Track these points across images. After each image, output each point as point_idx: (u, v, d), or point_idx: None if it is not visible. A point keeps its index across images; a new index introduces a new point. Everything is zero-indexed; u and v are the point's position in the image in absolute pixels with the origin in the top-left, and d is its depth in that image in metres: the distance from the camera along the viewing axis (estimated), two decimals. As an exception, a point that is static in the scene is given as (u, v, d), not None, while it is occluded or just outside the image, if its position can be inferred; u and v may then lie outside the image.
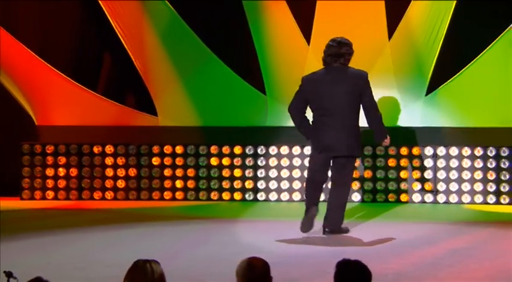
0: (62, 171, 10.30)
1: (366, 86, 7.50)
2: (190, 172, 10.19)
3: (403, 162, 9.95)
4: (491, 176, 9.81)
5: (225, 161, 10.18)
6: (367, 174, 9.95)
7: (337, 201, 7.52)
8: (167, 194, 10.21)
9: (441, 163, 9.89)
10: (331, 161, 7.51)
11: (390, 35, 10.02)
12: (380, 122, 7.59)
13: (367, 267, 3.71)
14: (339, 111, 7.40)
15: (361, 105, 7.49)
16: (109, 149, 10.26)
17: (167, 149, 10.24)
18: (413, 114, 10.08)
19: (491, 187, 9.80)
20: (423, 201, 9.87)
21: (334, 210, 7.49)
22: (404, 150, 9.96)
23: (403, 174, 9.95)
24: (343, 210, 7.55)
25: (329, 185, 7.69)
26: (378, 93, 9.82)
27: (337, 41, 7.61)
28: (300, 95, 7.59)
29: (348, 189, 7.63)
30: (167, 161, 10.23)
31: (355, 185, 9.81)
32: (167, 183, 10.20)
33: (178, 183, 10.20)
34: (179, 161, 10.23)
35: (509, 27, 9.73)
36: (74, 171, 10.29)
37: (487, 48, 9.81)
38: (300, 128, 7.59)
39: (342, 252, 6.51)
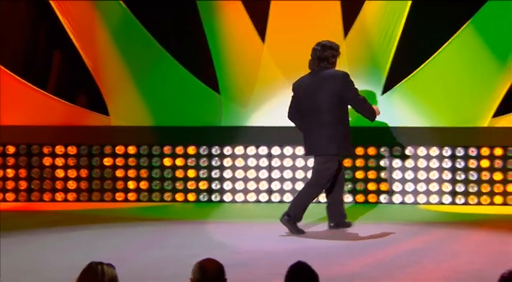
0: (10, 172, 10.07)
1: (343, 85, 7.57)
2: (143, 173, 10.03)
3: (359, 162, 9.89)
4: (447, 176, 9.77)
5: (179, 162, 10.03)
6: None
7: (297, 198, 7.60)
8: (119, 195, 10.03)
9: (397, 163, 9.84)
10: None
11: (346, 34, 9.94)
12: (369, 114, 7.73)
13: (311, 269, 3.74)
14: (316, 111, 7.52)
15: (347, 105, 7.65)
16: (59, 149, 10.06)
17: (119, 149, 10.06)
18: None
19: (447, 187, 9.77)
20: (379, 202, 9.81)
21: (294, 204, 7.55)
22: (360, 150, 9.88)
23: (358, 174, 9.87)
24: (303, 208, 7.53)
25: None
26: None
27: (321, 44, 7.73)
28: (292, 101, 7.78)
29: (318, 188, 7.63)
30: (119, 161, 10.06)
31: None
32: (119, 184, 10.03)
33: (131, 184, 10.03)
34: (132, 161, 10.06)
35: (463, 27, 9.74)
36: (23, 172, 10.06)
37: (442, 47, 9.80)
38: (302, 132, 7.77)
39: (301, 253, 6.43)
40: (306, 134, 7.66)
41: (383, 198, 9.85)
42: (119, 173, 10.02)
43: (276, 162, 9.96)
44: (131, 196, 10.01)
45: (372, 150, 9.88)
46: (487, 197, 9.71)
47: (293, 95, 7.77)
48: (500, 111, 9.79)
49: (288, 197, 9.68)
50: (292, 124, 8.05)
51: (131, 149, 10.05)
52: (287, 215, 7.44)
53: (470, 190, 9.74)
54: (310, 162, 8.93)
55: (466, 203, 9.72)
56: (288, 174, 9.94)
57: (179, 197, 9.98)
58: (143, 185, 10.01)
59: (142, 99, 10.18)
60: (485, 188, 9.71)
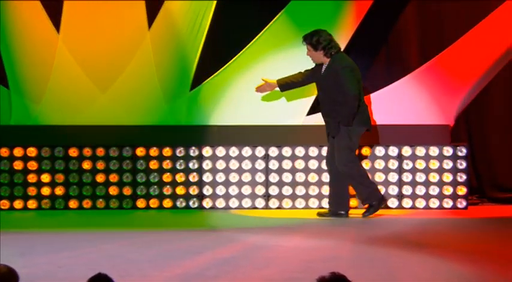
0: None
1: None
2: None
3: (166, 164, 9.22)
4: (260, 178, 9.21)
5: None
6: (127, 178, 9.22)
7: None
8: None
9: (207, 165, 9.23)
10: None
11: (150, 24, 9.29)
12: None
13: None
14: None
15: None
16: None
17: None
18: (177, 110, 9.40)
19: (260, 190, 9.20)
20: (188, 207, 9.17)
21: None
22: (167, 151, 9.21)
23: (166, 177, 9.21)
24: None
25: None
26: (139, 89, 9.33)
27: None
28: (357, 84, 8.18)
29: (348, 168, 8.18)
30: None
31: (115, 191, 9.16)
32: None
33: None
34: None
35: (276, 18, 9.29)
36: None
37: (253, 40, 9.34)
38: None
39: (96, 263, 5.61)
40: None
41: (192, 203, 9.21)
42: None
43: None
44: None
45: (180, 152, 9.22)
46: (288, 200, 9.25)
47: (357, 78, 8.12)
48: (315, 109, 9.37)
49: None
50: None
51: None
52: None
53: (284, 193, 9.22)
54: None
55: (280, 207, 9.20)
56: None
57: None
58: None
59: None
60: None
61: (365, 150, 9.10)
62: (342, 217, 8.31)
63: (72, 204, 9.18)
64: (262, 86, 8.61)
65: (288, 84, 8.47)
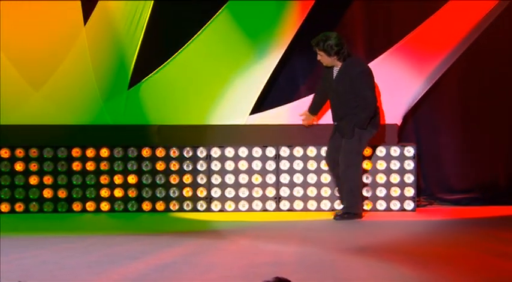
0: None
1: None
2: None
3: (103, 165, 8.93)
4: (202, 179, 8.95)
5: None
6: (62, 179, 8.94)
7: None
8: None
9: (147, 166, 8.96)
10: None
11: (86, 20, 9.06)
12: None
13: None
14: None
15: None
16: None
17: None
18: (115, 109, 9.14)
19: (202, 192, 8.94)
20: (126, 210, 8.92)
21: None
22: (105, 152, 8.94)
23: (103, 179, 8.92)
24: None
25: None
26: (75, 87, 9.04)
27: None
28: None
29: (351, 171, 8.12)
30: None
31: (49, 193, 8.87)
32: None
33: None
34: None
35: (209, 22, 9.10)
36: None
37: (194, 37, 9.12)
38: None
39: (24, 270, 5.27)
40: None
41: (130, 206, 8.94)
42: None
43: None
44: None
45: (118, 152, 8.95)
46: (231, 202, 9.00)
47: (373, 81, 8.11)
48: (259, 108, 9.26)
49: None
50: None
51: None
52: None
53: (227, 195, 8.98)
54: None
55: (221, 210, 8.95)
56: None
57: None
58: None
59: None
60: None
61: (310, 151, 8.89)
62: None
63: (4, 208, 8.89)
64: (307, 120, 8.65)
65: (316, 108, 8.60)
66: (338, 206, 8.74)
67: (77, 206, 8.91)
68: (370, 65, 8.43)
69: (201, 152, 8.92)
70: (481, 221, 8.19)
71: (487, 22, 9.09)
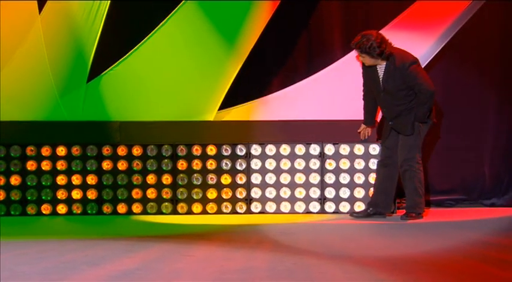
0: None
1: None
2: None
3: (60, 165, 8.55)
4: (168, 181, 8.55)
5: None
6: (15, 180, 8.56)
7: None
8: None
9: (107, 165, 8.57)
10: None
11: (41, 8, 8.75)
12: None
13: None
14: None
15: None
16: None
17: None
18: (73, 104, 8.80)
19: (168, 193, 8.56)
20: (86, 213, 8.55)
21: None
22: (61, 150, 8.55)
23: (60, 179, 8.55)
24: None
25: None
26: (29, 80, 8.73)
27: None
28: None
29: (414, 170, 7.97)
30: None
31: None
32: None
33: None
34: None
35: (173, 12, 8.77)
36: None
37: (158, 26, 8.81)
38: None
39: None
40: None
41: (89, 208, 8.56)
42: None
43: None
44: None
45: (76, 150, 8.58)
46: (198, 204, 8.62)
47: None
48: (228, 103, 8.92)
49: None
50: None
51: None
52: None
53: (195, 196, 8.60)
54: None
55: (189, 213, 8.57)
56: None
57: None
58: None
59: None
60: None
61: (283, 149, 8.49)
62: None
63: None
64: (365, 134, 8.31)
65: (372, 117, 8.27)
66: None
67: (31, 209, 8.51)
68: (344, 58, 8.08)
69: (166, 151, 8.56)
70: (464, 224, 8.05)
71: (462, 21, 8.96)
